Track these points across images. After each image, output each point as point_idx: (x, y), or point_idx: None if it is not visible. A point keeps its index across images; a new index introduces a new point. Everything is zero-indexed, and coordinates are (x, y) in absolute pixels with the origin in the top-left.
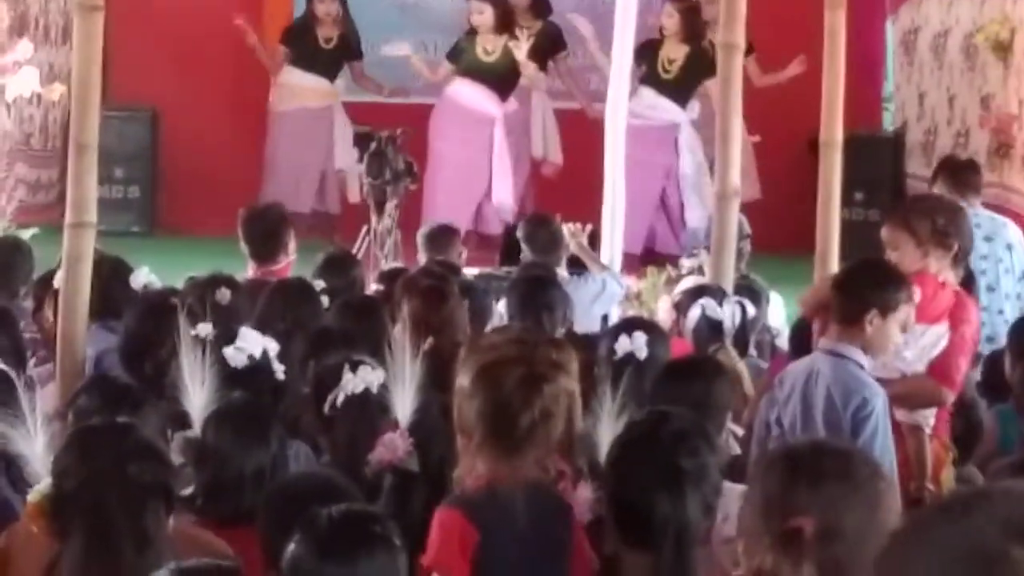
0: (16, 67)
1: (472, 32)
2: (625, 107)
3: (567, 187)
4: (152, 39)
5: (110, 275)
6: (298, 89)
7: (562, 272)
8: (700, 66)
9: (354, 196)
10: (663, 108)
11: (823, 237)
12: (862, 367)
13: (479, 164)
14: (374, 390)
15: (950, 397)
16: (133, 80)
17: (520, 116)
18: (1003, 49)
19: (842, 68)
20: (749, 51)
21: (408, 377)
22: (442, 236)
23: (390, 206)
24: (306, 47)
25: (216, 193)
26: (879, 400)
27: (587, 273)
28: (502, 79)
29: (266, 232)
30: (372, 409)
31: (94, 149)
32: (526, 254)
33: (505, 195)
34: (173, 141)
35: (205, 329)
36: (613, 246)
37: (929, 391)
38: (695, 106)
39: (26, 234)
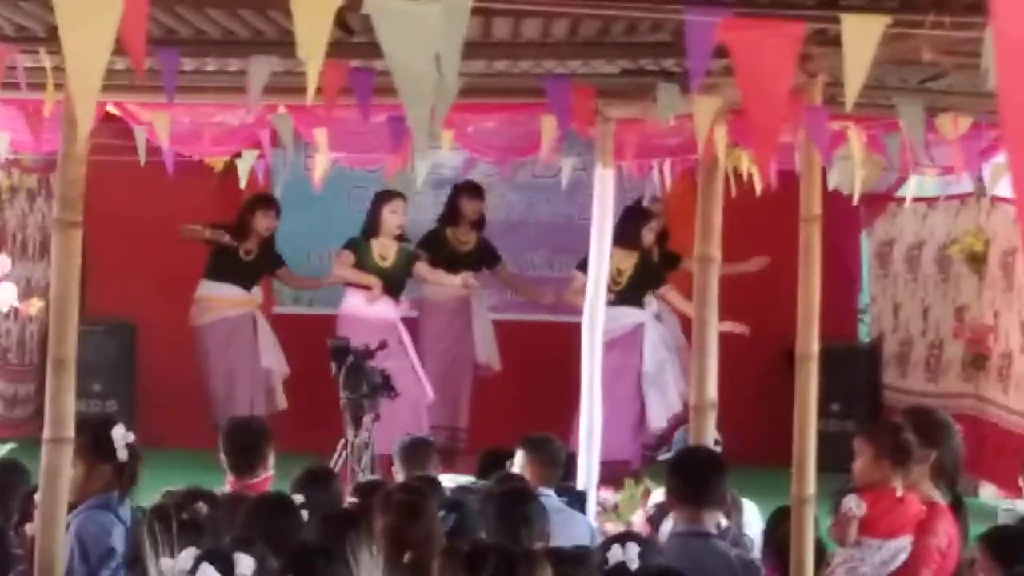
0: None
1: (371, 234)
2: (602, 316)
3: (531, 398)
4: (128, 254)
5: None
6: (216, 302)
7: (551, 495)
8: (647, 276)
9: (282, 402)
10: (623, 315)
11: (800, 449)
12: None
13: (403, 369)
14: None
15: None
16: (110, 294)
17: (460, 322)
18: (977, 261)
19: (818, 281)
20: (678, 262)
21: None
22: (418, 450)
23: (367, 419)
24: (227, 259)
25: (193, 406)
26: None
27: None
28: (397, 284)
29: (247, 445)
30: None
31: (72, 364)
32: (518, 469)
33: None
34: (150, 355)
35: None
36: (591, 458)
37: None
38: (652, 302)
39: (3, 449)
